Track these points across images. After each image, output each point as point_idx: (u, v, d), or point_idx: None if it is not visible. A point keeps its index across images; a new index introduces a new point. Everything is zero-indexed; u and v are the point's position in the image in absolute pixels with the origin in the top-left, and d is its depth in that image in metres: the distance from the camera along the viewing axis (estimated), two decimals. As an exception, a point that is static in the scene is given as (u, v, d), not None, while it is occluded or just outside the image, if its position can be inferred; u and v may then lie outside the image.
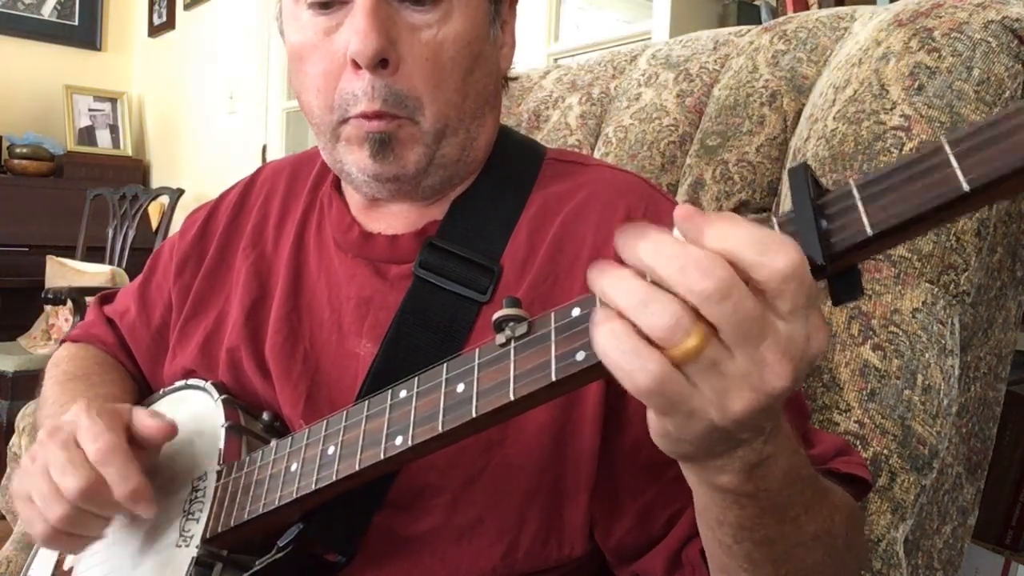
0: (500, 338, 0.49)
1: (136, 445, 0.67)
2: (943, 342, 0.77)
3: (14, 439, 1.42)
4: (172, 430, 0.68)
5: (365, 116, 0.67)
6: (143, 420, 0.67)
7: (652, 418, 0.43)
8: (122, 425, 0.66)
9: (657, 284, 0.39)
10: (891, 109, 0.81)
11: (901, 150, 0.79)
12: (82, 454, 0.63)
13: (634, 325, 0.39)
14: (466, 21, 0.68)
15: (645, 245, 0.39)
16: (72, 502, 0.62)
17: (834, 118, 0.86)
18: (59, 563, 0.78)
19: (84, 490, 0.61)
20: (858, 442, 0.76)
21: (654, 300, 0.38)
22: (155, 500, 0.69)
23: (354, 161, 0.69)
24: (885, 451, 0.75)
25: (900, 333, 0.77)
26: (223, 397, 0.73)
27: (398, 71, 0.66)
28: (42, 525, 0.64)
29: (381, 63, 0.65)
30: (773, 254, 0.37)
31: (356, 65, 0.65)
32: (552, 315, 0.47)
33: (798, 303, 0.38)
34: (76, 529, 0.64)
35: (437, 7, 0.66)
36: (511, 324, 0.49)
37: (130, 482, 0.62)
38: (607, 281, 0.40)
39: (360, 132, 0.68)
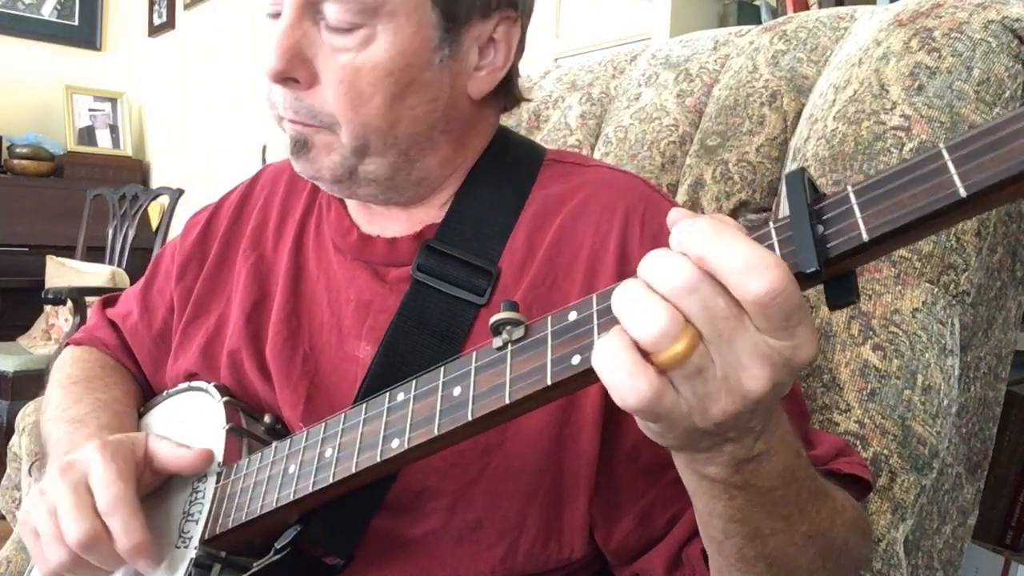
0: (497, 342, 0.49)
1: (149, 470, 0.68)
2: (943, 342, 0.77)
3: (14, 439, 1.42)
4: (208, 457, 0.69)
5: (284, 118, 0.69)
6: (172, 452, 0.68)
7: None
8: (135, 463, 0.67)
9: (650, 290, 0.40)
10: (891, 109, 0.81)
11: (901, 150, 0.79)
12: (91, 501, 0.63)
13: (629, 338, 0.40)
14: (391, 49, 0.65)
15: (643, 259, 0.41)
16: (73, 549, 0.62)
17: (834, 118, 0.86)
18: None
19: (86, 540, 0.62)
20: (858, 442, 0.76)
21: (643, 306, 0.39)
22: (155, 502, 0.69)
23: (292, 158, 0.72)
24: (885, 451, 0.75)
25: (900, 333, 0.77)
26: (225, 399, 0.73)
27: (312, 87, 0.66)
28: (45, 565, 0.65)
29: (292, 79, 0.66)
30: (754, 278, 0.38)
31: None
32: (548, 319, 0.48)
33: (776, 324, 0.39)
34: (78, 573, 0.65)
35: (354, 34, 0.64)
36: (508, 328, 0.49)
37: (133, 536, 0.62)
38: (616, 292, 0.42)
39: (288, 131, 0.70)
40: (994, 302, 0.85)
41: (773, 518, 0.50)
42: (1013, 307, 0.89)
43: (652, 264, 0.40)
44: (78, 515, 0.62)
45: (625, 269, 0.68)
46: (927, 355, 0.76)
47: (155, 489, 0.70)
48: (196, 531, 0.65)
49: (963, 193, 0.35)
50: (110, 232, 3.30)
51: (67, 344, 0.95)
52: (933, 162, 0.36)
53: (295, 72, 0.65)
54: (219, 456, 0.69)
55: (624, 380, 0.39)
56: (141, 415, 0.83)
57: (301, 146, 0.69)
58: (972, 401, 0.86)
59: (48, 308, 3.16)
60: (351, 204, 0.79)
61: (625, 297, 0.40)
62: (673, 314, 0.39)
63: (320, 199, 0.83)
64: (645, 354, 0.40)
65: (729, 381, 0.40)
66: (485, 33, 0.70)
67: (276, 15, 0.67)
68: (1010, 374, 0.93)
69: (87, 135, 4.12)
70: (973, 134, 0.35)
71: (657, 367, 0.40)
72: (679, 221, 0.41)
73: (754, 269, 0.38)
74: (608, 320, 0.44)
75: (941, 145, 0.36)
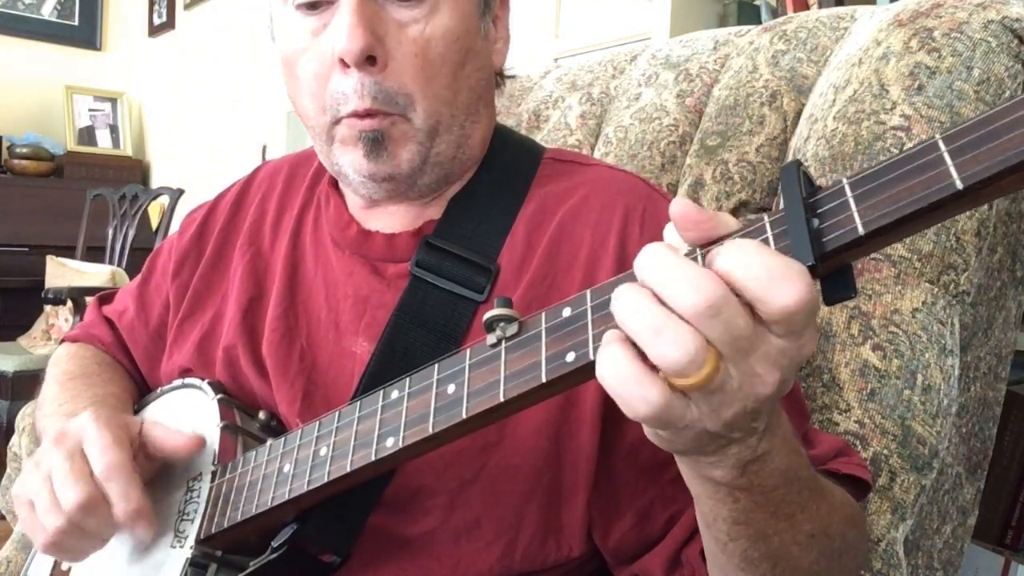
0: (491, 338, 0.49)
1: (142, 454, 0.68)
2: (943, 342, 0.77)
3: (14, 439, 1.42)
4: (199, 443, 0.68)
5: (356, 115, 0.66)
6: (166, 435, 0.68)
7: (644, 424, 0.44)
8: (129, 439, 0.66)
9: (666, 307, 0.39)
10: (891, 109, 0.80)
11: (901, 150, 0.78)
12: (86, 466, 0.63)
13: (633, 347, 0.39)
14: (454, 15, 0.67)
15: (644, 259, 0.39)
16: (70, 515, 0.62)
17: (834, 118, 0.85)
18: (57, 563, 0.78)
19: (83, 504, 0.62)
20: (858, 442, 0.75)
21: (667, 332, 0.38)
22: (151, 500, 0.69)
23: (349, 162, 0.69)
24: (885, 451, 0.75)
25: (900, 333, 0.77)
26: (219, 396, 0.73)
27: (387, 68, 0.65)
28: (42, 534, 0.64)
29: (369, 60, 0.64)
30: (782, 288, 0.37)
31: (344, 64, 0.65)
32: (543, 315, 0.47)
33: (797, 329, 0.38)
34: (74, 542, 0.64)
35: (423, 3, 0.66)
36: (502, 324, 0.49)
37: (131, 501, 0.62)
38: (622, 305, 0.40)
39: (353, 132, 0.67)
40: (994, 302, 0.85)
41: (777, 518, 0.50)
42: (1013, 307, 0.89)
43: (667, 278, 0.38)
44: (74, 481, 0.62)
45: (624, 268, 0.67)
46: (927, 355, 0.76)
47: (150, 485, 0.70)
48: (192, 530, 0.65)
49: (960, 185, 0.35)
50: (110, 232, 3.30)
51: (63, 341, 0.95)
52: (929, 153, 0.36)
53: (375, 49, 0.64)
54: (214, 454, 0.68)
55: (633, 390, 0.39)
56: (136, 412, 0.83)
57: (376, 144, 0.67)
58: (972, 401, 0.86)
59: (48, 308, 3.16)
60: (351, 199, 0.79)
61: (639, 314, 0.38)
62: (699, 340, 0.37)
63: (319, 194, 0.82)
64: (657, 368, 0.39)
65: (743, 390, 0.40)
66: (494, 6, 0.73)
67: (310, 4, 0.66)
68: (1010, 374, 0.92)
69: (87, 135, 4.13)
70: (969, 124, 0.35)
71: (679, 389, 0.39)
72: (687, 215, 0.40)
73: (780, 279, 0.37)
74: (602, 316, 0.43)
75: (937, 136, 0.36)
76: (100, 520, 0.63)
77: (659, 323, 0.38)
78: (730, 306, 0.37)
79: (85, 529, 0.63)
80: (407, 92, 0.66)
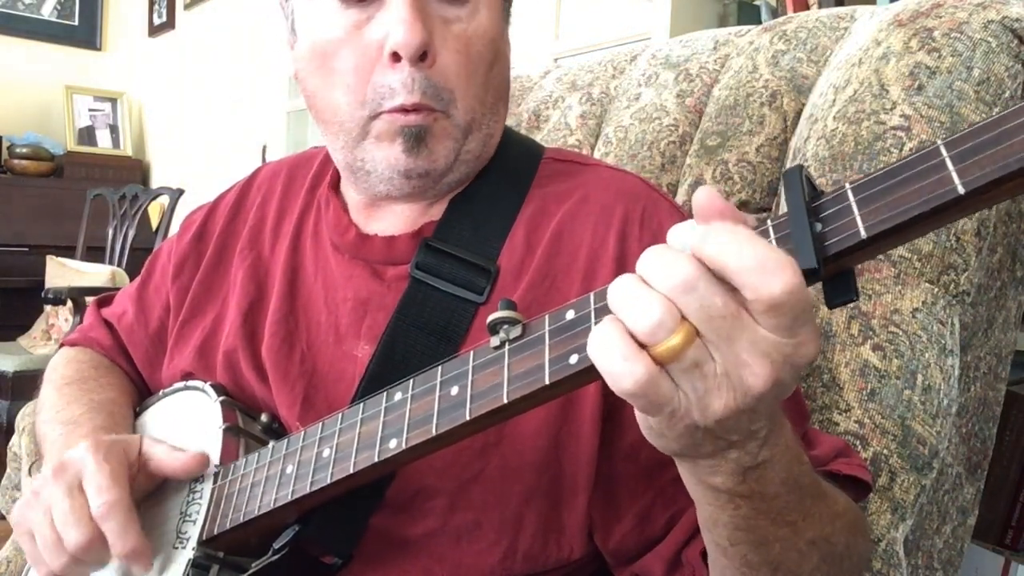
0: (494, 341, 0.49)
1: (143, 474, 0.68)
2: (943, 342, 0.77)
3: (14, 439, 1.42)
4: (203, 462, 0.69)
5: (403, 110, 0.66)
6: (168, 456, 0.68)
7: (637, 413, 0.44)
8: (128, 464, 0.67)
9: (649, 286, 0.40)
10: (891, 109, 0.80)
11: (901, 150, 0.79)
12: (86, 505, 0.63)
13: (625, 326, 0.40)
14: (491, 16, 0.69)
15: (641, 256, 0.41)
16: (73, 554, 0.63)
17: (834, 118, 0.85)
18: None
19: (85, 546, 0.62)
20: (858, 442, 0.76)
21: (640, 298, 0.39)
22: (153, 501, 0.69)
23: (383, 157, 0.69)
24: (885, 451, 0.75)
25: (900, 333, 0.77)
26: (221, 399, 0.73)
27: (434, 64, 0.66)
28: (44, 568, 0.65)
29: (421, 56, 0.65)
30: (769, 277, 0.37)
31: (395, 58, 0.65)
32: (546, 318, 0.48)
33: (785, 323, 0.38)
34: (76, 572, 0.65)
35: (467, 3, 0.67)
36: (505, 327, 0.49)
37: (128, 541, 0.62)
38: (612, 288, 0.41)
39: (393, 127, 0.67)
40: (994, 302, 0.85)
41: (778, 525, 0.50)
42: (1013, 307, 0.89)
43: (649, 261, 0.40)
44: (75, 521, 0.62)
45: (624, 268, 0.68)
46: (927, 355, 0.76)
47: (152, 488, 0.70)
48: (194, 532, 0.65)
49: (961, 190, 0.35)
50: (110, 232, 3.30)
51: (62, 345, 0.95)
52: (931, 159, 0.36)
53: (429, 44, 0.65)
54: (216, 456, 0.69)
55: (620, 365, 0.39)
56: (137, 414, 0.83)
57: (418, 140, 0.67)
58: (972, 401, 0.86)
59: (48, 308, 3.16)
60: (351, 202, 0.79)
61: (621, 289, 0.40)
62: (668, 307, 0.39)
63: (319, 197, 0.82)
64: (642, 345, 0.40)
65: (730, 378, 0.40)
66: (510, 13, 0.76)
67: None
68: (1010, 374, 0.92)
69: (87, 135, 4.13)
70: (971, 131, 0.35)
71: (654, 359, 0.39)
72: (680, 224, 0.41)
73: (768, 269, 0.37)
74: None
75: (939, 142, 0.36)
76: (101, 555, 0.64)
77: (635, 293, 0.40)
78: (705, 284, 0.38)
79: (87, 563, 0.64)
80: (450, 88, 0.67)
